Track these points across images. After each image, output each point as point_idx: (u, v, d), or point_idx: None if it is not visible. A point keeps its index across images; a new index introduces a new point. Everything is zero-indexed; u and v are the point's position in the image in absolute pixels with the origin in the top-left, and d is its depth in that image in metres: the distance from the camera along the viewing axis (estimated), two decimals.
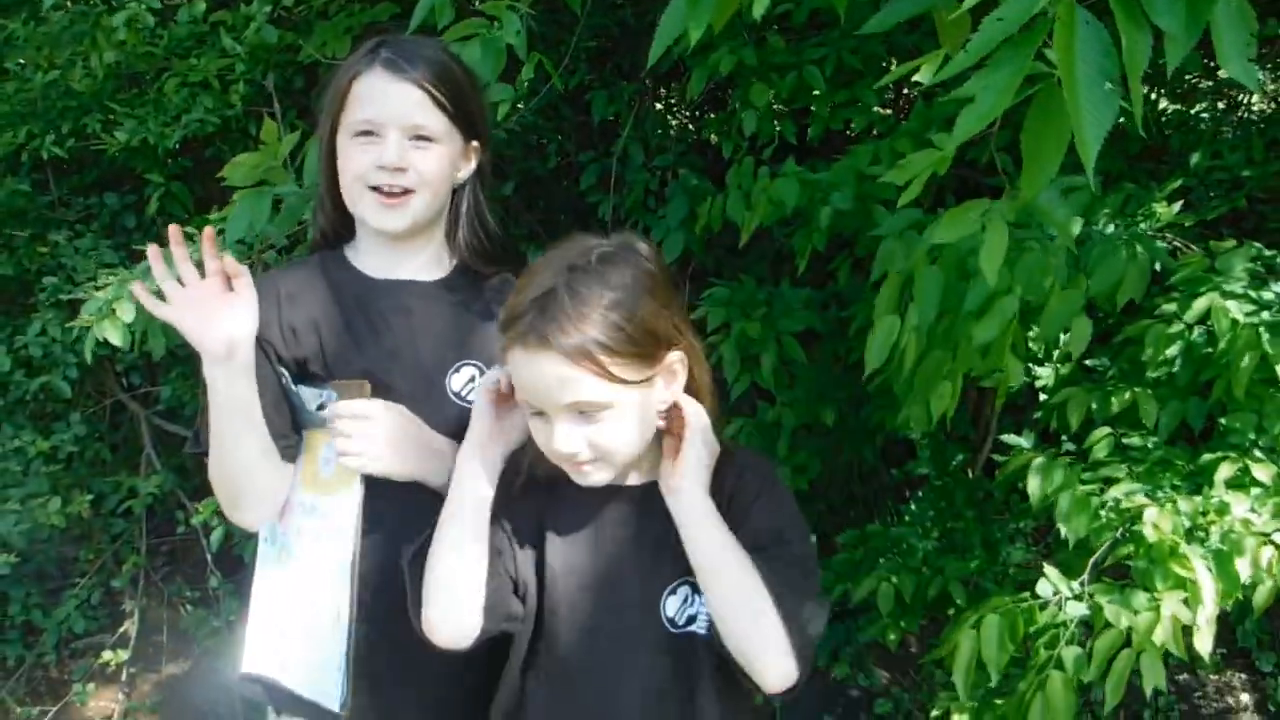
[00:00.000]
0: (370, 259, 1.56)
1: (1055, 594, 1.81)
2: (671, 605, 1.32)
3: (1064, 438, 2.10)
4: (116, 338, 2.06)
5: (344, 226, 1.57)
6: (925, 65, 0.98)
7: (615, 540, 1.34)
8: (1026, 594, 1.83)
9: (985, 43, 0.88)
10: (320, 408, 1.50)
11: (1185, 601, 1.68)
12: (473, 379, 1.52)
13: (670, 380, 1.28)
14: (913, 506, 2.57)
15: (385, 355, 1.49)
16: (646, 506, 1.34)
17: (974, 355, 1.76)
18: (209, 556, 3.01)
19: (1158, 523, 1.70)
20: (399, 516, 1.48)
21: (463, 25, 1.65)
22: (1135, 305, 1.95)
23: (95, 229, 3.08)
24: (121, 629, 3.25)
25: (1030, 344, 2.06)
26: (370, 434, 1.45)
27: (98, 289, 2.22)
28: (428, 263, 1.57)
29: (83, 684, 3.18)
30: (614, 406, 1.22)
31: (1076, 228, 1.81)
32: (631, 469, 1.35)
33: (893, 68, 2.69)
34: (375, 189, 1.47)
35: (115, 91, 2.91)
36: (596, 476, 1.28)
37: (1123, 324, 2.10)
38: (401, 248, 1.55)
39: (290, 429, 1.53)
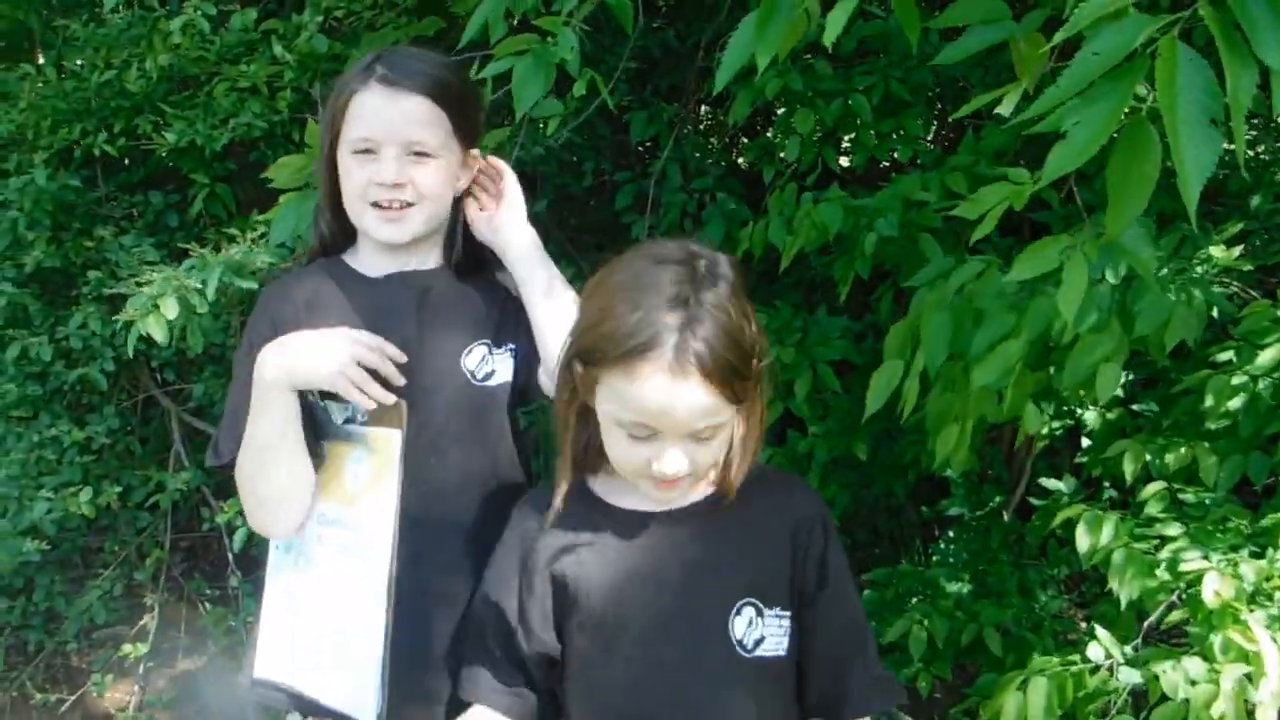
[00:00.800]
0: (370, 261, 1.55)
1: (1107, 658, 1.72)
2: (739, 627, 1.26)
3: (1106, 484, 2.02)
4: (159, 334, 2.06)
5: (344, 235, 1.57)
6: (1007, 97, 0.94)
7: (671, 565, 1.27)
8: (1076, 656, 1.73)
9: (1080, 77, 0.84)
10: (348, 421, 1.47)
11: (1248, 675, 1.58)
12: (484, 358, 1.52)
13: (758, 396, 1.25)
14: (942, 545, 2.50)
15: (401, 350, 1.47)
16: (680, 532, 1.27)
17: (985, 400, 1.70)
18: (230, 556, 2.98)
19: (1219, 589, 1.60)
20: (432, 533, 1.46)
21: (514, 40, 1.63)
22: (1189, 353, 1.88)
23: (139, 226, 3.08)
24: (141, 622, 3.23)
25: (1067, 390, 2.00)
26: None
27: (140, 285, 2.22)
28: (421, 264, 1.56)
29: (101, 674, 3.16)
30: (726, 426, 1.20)
31: (1155, 263, 1.75)
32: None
33: (935, 97, 2.66)
34: (375, 204, 1.46)
35: (167, 93, 2.92)
36: (680, 489, 1.24)
37: (1174, 370, 2.03)
38: (402, 254, 1.54)
39: (312, 441, 1.50)
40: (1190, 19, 0.83)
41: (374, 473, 1.45)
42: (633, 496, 1.29)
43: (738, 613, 1.25)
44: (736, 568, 1.25)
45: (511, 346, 1.53)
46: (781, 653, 1.27)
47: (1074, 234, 1.27)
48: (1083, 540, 1.82)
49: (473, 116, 1.54)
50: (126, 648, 3.09)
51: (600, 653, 1.27)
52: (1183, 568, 1.70)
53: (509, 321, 1.55)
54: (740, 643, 1.26)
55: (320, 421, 1.48)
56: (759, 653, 1.26)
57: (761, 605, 1.25)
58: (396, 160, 1.45)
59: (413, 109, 1.45)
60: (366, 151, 1.45)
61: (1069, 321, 1.30)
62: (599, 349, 1.18)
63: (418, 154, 1.46)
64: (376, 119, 1.45)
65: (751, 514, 1.28)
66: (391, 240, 1.49)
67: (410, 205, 1.47)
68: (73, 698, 3.15)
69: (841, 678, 1.30)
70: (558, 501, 1.30)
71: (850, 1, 1.03)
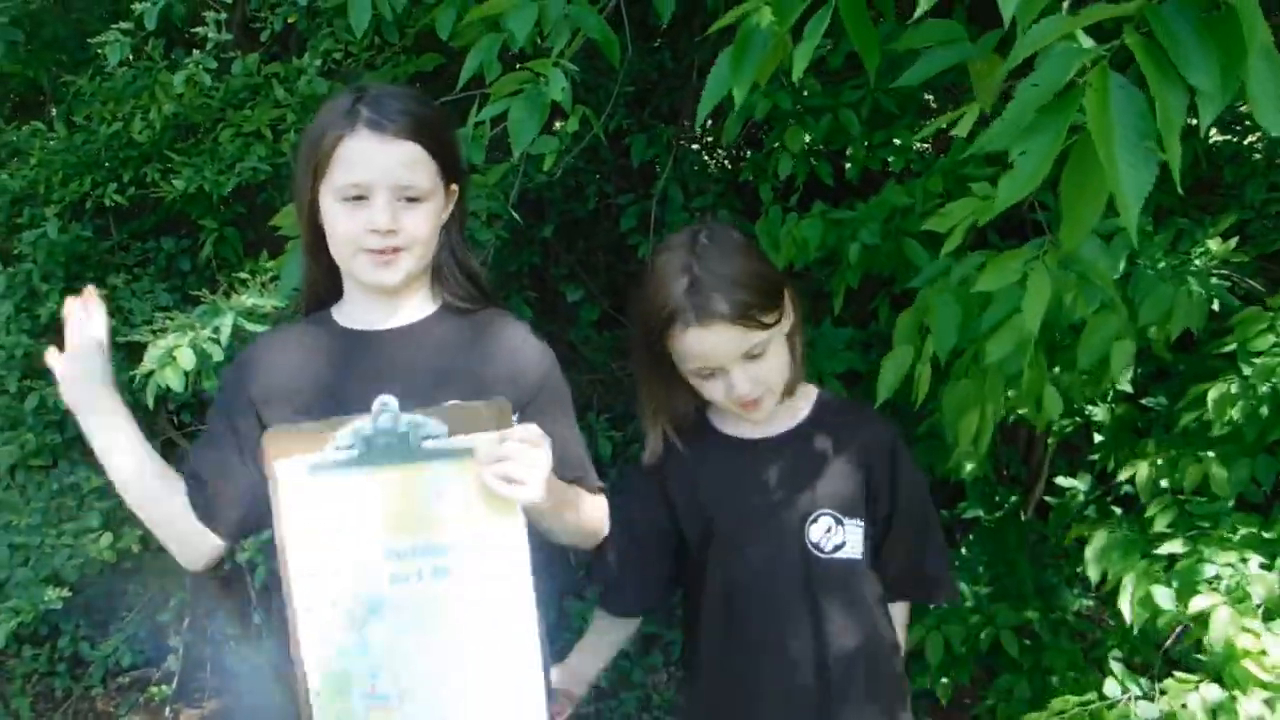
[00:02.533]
0: (358, 312, 1.56)
1: (1124, 693, 1.76)
2: (815, 532, 1.61)
3: (1122, 480, 2.05)
4: (176, 384, 2.12)
5: (331, 283, 1.57)
6: (963, 119, 1.00)
7: (753, 484, 1.64)
8: (1093, 694, 1.77)
9: (1022, 109, 0.91)
10: (426, 438, 1.36)
11: (1267, 702, 1.61)
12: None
13: (791, 313, 1.59)
14: (963, 550, 2.52)
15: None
16: (774, 455, 1.64)
17: (1002, 384, 1.73)
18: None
19: (1229, 629, 1.63)
20: None
21: (509, 79, 1.70)
22: (1194, 342, 1.91)
23: (152, 272, 3.16)
24: (166, 663, 3.29)
25: (1080, 382, 2.03)
26: (539, 461, 1.34)
27: (154, 332, 2.29)
28: (413, 307, 1.57)
29: (128, 717, 3.22)
30: (770, 343, 1.54)
31: (1120, 267, 1.80)
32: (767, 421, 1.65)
33: (932, 104, 2.72)
34: (367, 250, 1.46)
35: (173, 141, 3.00)
36: (765, 409, 1.59)
37: (1181, 363, 2.05)
38: (388, 299, 1.55)
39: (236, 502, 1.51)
40: (1119, 48, 0.88)
41: (478, 485, 1.35)
42: (742, 425, 1.67)
43: (814, 520, 1.60)
44: (815, 484, 1.58)
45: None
46: (857, 556, 1.62)
47: (1036, 246, 1.33)
48: (1093, 569, 1.85)
49: (455, 151, 1.56)
50: (153, 689, 3.15)
51: (703, 551, 1.66)
52: (1192, 605, 1.71)
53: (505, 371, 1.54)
54: (817, 545, 1.61)
55: (384, 445, 1.35)
56: (837, 555, 1.61)
57: (840, 515, 1.59)
58: (388, 206, 1.44)
59: (402, 154, 1.45)
60: (357, 199, 1.44)
61: (1031, 329, 1.34)
62: (647, 327, 1.57)
63: (409, 199, 1.46)
64: (367, 165, 1.43)
65: (830, 439, 1.63)
66: (384, 284, 1.49)
67: (400, 250, 1.47)
68: None
69: (916, 565, 1.70)
70: (654, 444, 1.69)
71: (813, 38, 1.10)
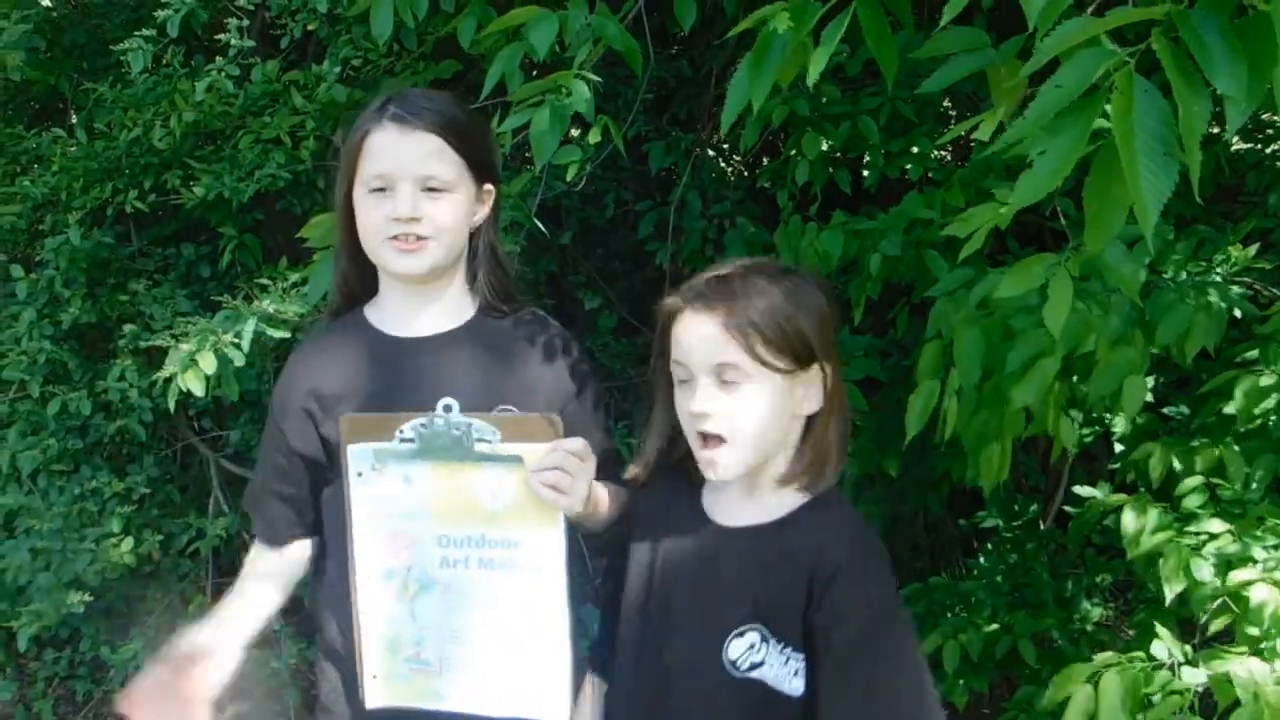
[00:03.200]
0: (392, 314, 1.60)
1: (1170, 658, 1.75)
2: (735, 648, 1.38)
3: (1141, 489, 2.05)
4: (198, 388, 2.14)
5: (363, 283, 1.62)
6: (984, 124, 1.00)
7: (703, 574, 1.44)
8: (1140, 653, 1.75)
9: (1044, 110, 0.90)
10: (480, 442, 1.46)
11: None
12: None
13: (810, 393, 1.40)
14: (982, 560, 2.52)
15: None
16: (744, 543, 1.42)
17: (1020, 417, 1.74)
18: None
19: (1268, 600, 1.64)
20: None
21: (530, 87, 1.71)
22: (1216, 354, 1.91)
23: (172, 278, 3.19)
24: None
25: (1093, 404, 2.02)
26: (583, 475, 1.44)
27: (175, 337, 2.31)
28: (449, 310, 1.61)
29: None
30: (752, 381, 1.36)
31: (1141, 278, 1.79)
32: (745, 502, 1.45)
33: (950, 112, 2.72)
34: (393, 239, 1.52)
35: (193, 148, 3.04)
36: (723, 462, 1.38)
37: (1201, 372, 2.05)
38: (423, 295, 1.59)
39: (308, 507, 1.63)
40: (1144, 52, 0.88)
41: (524, 488, 1.46)
42: (720, 501, 1.48)
43: (739, 634, 1.38)
44: (753, 591, 1.37)
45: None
46: (787, 690, 1.35)
47: (1060, 252, 1.33)
48: (1129, 523, 1.83)
49: (484, 151, 1.60)
50: None
51: (625, 631, 1.52)
52: (1231, 576, 1.71)
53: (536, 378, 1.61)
54: (734, 663, 1.39)
55: (442, 443, 1.46)
56: (750, 675, 1.37)
57: (768, 634, 1.36)
58: (411, 195, 1.50)
59: (425, 144, 1.51)
60: (381, 190, 1.51)
61: (1054, 334, 1.35)
62: (660, 322, 1.46)
63: (432, 189, 1.51)
64: (390, 155, 1.50)
65: (786, 543, 1.39)
66: (410, 272, 1.54)
67: (425, 239, 1.52)
68: None
69: None
70: (636, 470, 1.54)
71: (829, 45, 1.10)
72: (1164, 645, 1.79)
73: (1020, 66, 0.95)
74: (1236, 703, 1.63)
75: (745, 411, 1.36)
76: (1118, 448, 2.16)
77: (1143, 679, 1.72)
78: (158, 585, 3.43)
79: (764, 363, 1.34)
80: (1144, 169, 0.88)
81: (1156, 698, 1.70)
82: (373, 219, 1.52)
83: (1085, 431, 2.16)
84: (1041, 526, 2.60)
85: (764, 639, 1.37)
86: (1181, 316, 1.78)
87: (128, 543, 2.86)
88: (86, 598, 2.79)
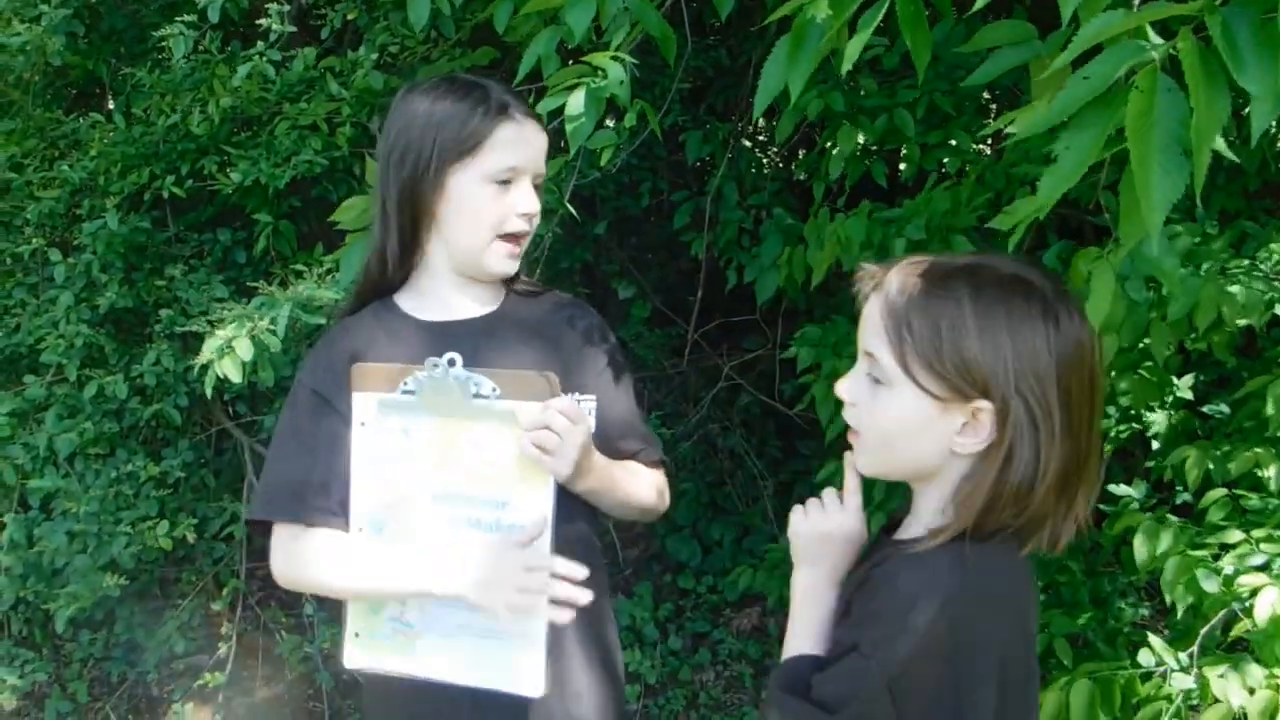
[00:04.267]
0: (427, 302, 1.59)
1: (1159, 665, 1.76)
2: None
3: (1179, 488, 2.04)
4: (235, 375, 2.17)
5: (404, 270, 1.58)
6: (1020, 117, 1.00)
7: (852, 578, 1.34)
8: (1127, 661, 1.78)
9: (1071, 101, 0.90)
10: (477, 396, 1.47)
11: None
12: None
13: (974, 429, 1.15)
14: None
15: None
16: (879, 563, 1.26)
17: None
18: None
19: (1276, 606, 1.63)
20: None
21: (566, 72, 1.72)
22: (1260, 353, 1.88)
23: (208, 264, 3.25)
24: (219, 651, 3.38)
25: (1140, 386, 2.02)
26: (573, 438, 1.42)
27: (210, 322, 2.35)
28: (487, 295, 1.61)
29: (181, 703, 3.32)
30: (893, 388, 1.16)
31: (1178, 268, 1.77)
32: (907, 524, 1.26)
33: (990, 105, 2.71)
34: (505, 236, 1.52)
35: (230, 134, 3.09)
36: (855, 455, 1.26)
37: (1244, 370, 2.03)
38: (471, 287, 1.59)
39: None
40: (1171, 48, 0.88)
41: (516, 447, 1.45)
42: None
43: None
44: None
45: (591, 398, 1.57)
46: None
47: (1103, 245, 1.33)
48: (1140, 550, 1.85)
49: None
50: (205, 676, 3.24)
51: None
52: (1240, 581, 1.71)
53: (577, 362, 1.61)
54: None
55: (441, 395, 1.46)
56: None
57: None
58: (532, 190, 1.52)
59: (544, 142, 1.54)
60: (504, 182, 1.50)
61: (1096, 328, 1.34)
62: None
63: (537, 186, 1.55)
64: (526, 150, 1.51)
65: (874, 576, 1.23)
66: (507, 273, 1.56)
67: (526, 237, 1.55)
68: None
69: None
70: None
71: (865, 33, 1.11)
72: (1151, 655, 1.79)
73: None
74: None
75: (878, 409, 1.19)
76: (1154, 445, 2.15)
77: (1120, 685, 1.73)
78: (192, 569, 3.51)
79: (909, 374, 1.15)
80: (1157, 166, 0.88)
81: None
82: (496, 210, 1.50)
83: (1121, 429, 2.15)
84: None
85: None
86: (1191, 290, 1.72)
87: (163, 526, 2.88)
88: (122, 580, 2.83)
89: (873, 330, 1.18)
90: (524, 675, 1.49)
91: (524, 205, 1.51)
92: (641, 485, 1.64)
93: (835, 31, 1.23)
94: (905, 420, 1.17)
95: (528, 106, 1.53)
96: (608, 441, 1.58)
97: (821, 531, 1.30)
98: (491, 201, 1.50)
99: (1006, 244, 1.29)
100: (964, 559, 1.14)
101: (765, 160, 3.95)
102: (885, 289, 1.17)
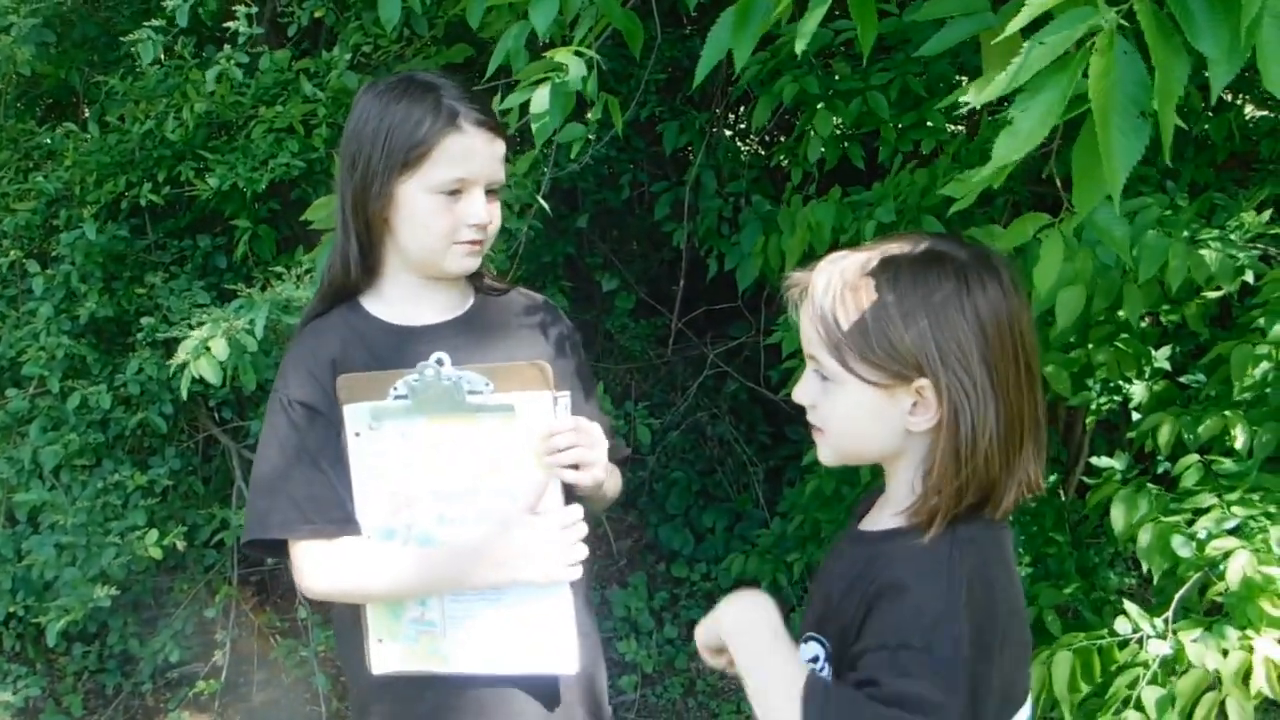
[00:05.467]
0: (395, 307, 1.59)
1: (1135, 631, 1.79)
2: (803, 653, 1.29)
3: (1160, 458, 2.07)
4: (211, 375, 2.19)
5: (368, 273, 1.59)
6: (973, 88, 1.02)
7: (823, 567, 1.40)
8: (1104, 631, 1.81)
9: (1028, 67, 0.92)
10: (471, 393, 1.49)
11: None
12: None
13: (923, 407, 1.19)
14: None
15: None
16: (847, 550, 1.33)
17: None
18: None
19: (1246, 569, 1.66)
20: None
21: (533, 68, 1.74)
22: (1232, 321, 1.91)
23: (189, 270, 3.25)
24: (214, 658, 3.40)
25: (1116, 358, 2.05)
26: (604, 453, 1.50)
27: (192, 328, 2.37)
28: (455, 298, 1.63)
29: (177, 712, 3.33)
30: (840, 384, 1.22)
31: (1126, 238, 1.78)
32: (880, 509, 1.31)
33: (961, 84, 2.73)
34: (461, 242, 1.52)
35: (206, 139, 3.09)
36: (821, 451, 1.31)
37: (1219, 338, 2.07)
38: (433, 290, 1.60)
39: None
40: (1129, 14, 0.90)
41: (518, 438, 1.49)
42: (872, 506, 1.36)
43: (804, 640, 1.31)
44: (826, 593, 1.30)
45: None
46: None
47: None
48: (1117, 519, 1.88)
49: None
50: (201, 684, 3.25)
51: None
52: (1213, 545, 1.74)
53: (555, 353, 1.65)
54: None
55: (435, 396, 1.47)
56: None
57: (827, 652, 1.28)
58: (485, 200, 1.52)
59: (498, 149, 1.53)
60: (453, 192, 1.50)
61: (1042, 294, 1.37)
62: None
63: (491, 192, 1.54)
64: (474, 161, 1.50)
65: (873, 556, 1.27)
66: (468, 271, 1.57)
67: (483, 241, 1.55)
68: None
69: None
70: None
71: (817, 11, 1.12)
72: (1127, 622, 1.83)
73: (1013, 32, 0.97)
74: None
75: (831, 409, 1.24)
76: (1135, 416, 2.18)
77: (1097, 655, 1.77)
78: (184, 577, 3.52)
79: (849, 369, 1.20)
80: (1116, 130, 0.90)
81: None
82: (446, 223, 1.50)
83: (1104, 400, 2.19)
84: (1062, 497, 2.63)
85: (825, 658, 1.27)
86: (1159, 250, 1.74)
87: (152, 535, 2.87)
88: (113, 591, 2.82)
89: (808, 335, 1.23)
90: (557, 653, 1.53)
91: (474, 216, 1.50)
92: (616, 482, 1.68)
93: (783, 7, 1.23)
94: (857, 411, 1.22)
95: (483, 111, 1.51)
96: None
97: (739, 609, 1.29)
98: (441, 212, 1.50)
99: (976, 223, 1.32)
100: (957, 540, 1.19)
101: (743, 148, 3.98)
102: (812, 293, 1.22)
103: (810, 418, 1.29)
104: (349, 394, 1.50)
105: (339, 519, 1.52)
